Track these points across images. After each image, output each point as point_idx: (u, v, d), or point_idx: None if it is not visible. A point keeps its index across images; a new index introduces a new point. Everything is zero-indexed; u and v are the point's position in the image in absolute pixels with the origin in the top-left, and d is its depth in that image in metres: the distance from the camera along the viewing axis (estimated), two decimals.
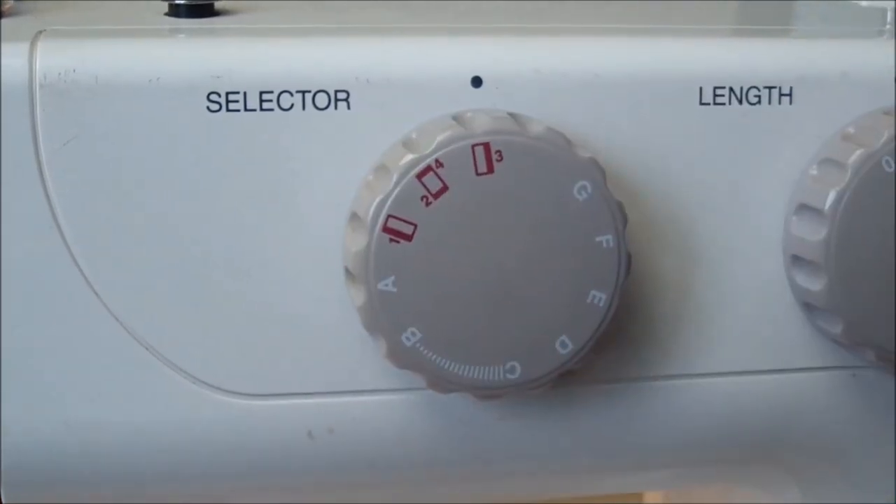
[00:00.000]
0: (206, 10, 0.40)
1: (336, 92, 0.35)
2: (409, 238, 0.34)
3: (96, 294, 0.35)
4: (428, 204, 0.34)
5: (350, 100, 0.35)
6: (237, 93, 0.35)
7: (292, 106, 0.35)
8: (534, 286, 0.34)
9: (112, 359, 0.36)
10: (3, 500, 0.38)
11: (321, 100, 0.35)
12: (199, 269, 0.36)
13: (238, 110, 0.35)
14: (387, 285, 0.34)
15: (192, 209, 0.35)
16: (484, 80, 0.36)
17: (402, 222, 0.34)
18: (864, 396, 0.40)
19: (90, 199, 0.35)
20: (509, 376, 0.35)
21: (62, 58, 0.34)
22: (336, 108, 0.35)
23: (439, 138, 0.34)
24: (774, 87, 0.38)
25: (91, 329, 0.35)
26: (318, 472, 0.38)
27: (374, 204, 0.34)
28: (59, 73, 0.34)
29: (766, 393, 0.40)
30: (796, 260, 0.38)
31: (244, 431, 0.37)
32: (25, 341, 0.35)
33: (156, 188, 0.35)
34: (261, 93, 0.35)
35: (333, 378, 0.37)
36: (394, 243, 0.34)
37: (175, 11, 0.40)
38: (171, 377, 0.36)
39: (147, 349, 0.36)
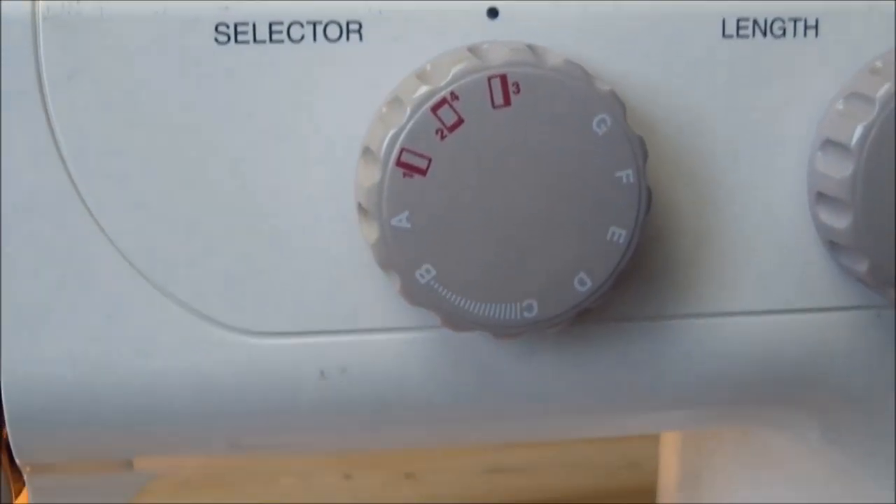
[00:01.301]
0: None
1: (348, 23, 0.34)
2: (423, 172, 0.33)
3: (101, 229, 0.35)
4: (443, 137, 0.33)
5: (363, 31, 0.34)
6: (246, 24, 0.34)
7: (303, 37, 0.34)
8: (552, 222, 0.34)
9: (118, 295, 0.35)
10: (13, 444, 0.37)
11: (332, 31, 0.34)
12: (207, 204, 0.35)
13: (247, 42, 0.34)
14: (400, 221, 0.33)
15: (201, 143, 0.34)
16: (500, 11, 0.35)
17: (416, 156, 0.33)
18: (888, 336, 0.40)
19: (95, 134, 0.34)
20: (526, 315, 0.34)
21: None
22: (348, 39, 0.34)
23: (454, 70, 0.33)
24: (800, 19, 0.36)
25: (96, 264, 0.35)
26: (330, 412, 0.37)
27: (388, 137, 0.33)
28: (63, 5, 0.33)
29: (788, 333, 0.39)
30: (821, 197, 0.37)
31: (253, 370, 0.36)
32: (28, 276, 0.35)
33: (162, 122, 0.34)
34: (270, 24, 0.34)
35: (346, 316, 0.36)
36: (407, 178, 0.33)
37: None
38: (179, 314, 0.35)
39: (153, 285, 0.35)
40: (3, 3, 0.33)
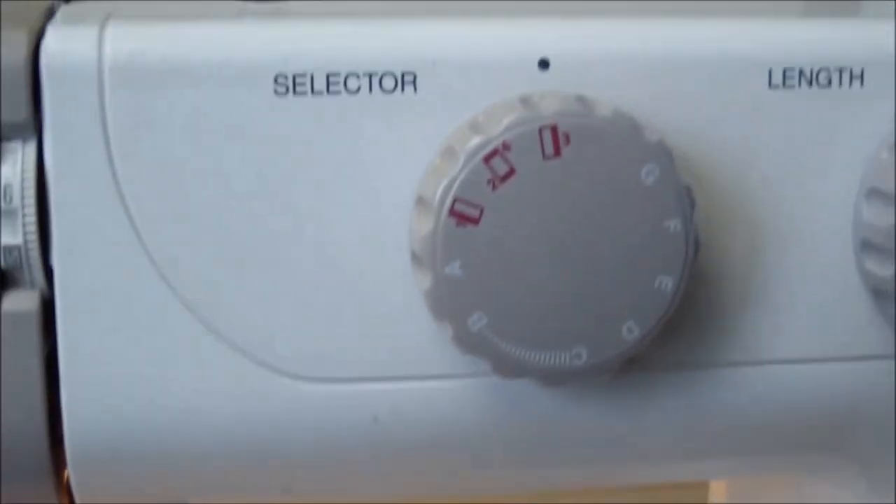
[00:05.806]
0: None
1: (403, 74, 0.35)
2: (475, 222, 0.34)
3: (163, 278, 0.35)
4: (495, 187, 0.33)
5: (417, 82, 0.35)
6: (304, 75, 0.35)
7: (359, 88, 0.35)
8: (600, 271, 0.34)
9: (176, 340, 0.36)
10: (74, 485, 0.38)
11: (388, 82, 0.35)
12: (265, 252, 0.36)
13: (305, 93, 0.35)
14: (453, 269, 0.34)
15: (260, 193, 0.35)
16: (551, 61, 0.36)
17: (468, 206, 0.33)
18: None
19: (158, 184, 0.35)
20: (575, 362, 0.35)
21: (131, 41, 0.34)
22: (403, 90, 0.35)
23: (506, 121, 0.34)
24: (846, 69, 0.37)
25: (156, 311, 0.36)
26: (382, 456, 0.38)
27: (441, 187, 0.34)
28: (128, 57, 0.34)
29: (833, 381, 0.39)
30: (866, 245, 0.37)
31: (308, 415, 0.37)
32: (90, 324, 0.35)
33: (224, 172, 0.35)
34: (328, 75, 0.35)
35: (400, 363, 0.37)
36: (460, 227, 0.33)
37: None
38: (235, 359, 0.36)
39: (212, 331, 0.36)
40: (71, 53, 0.34)
